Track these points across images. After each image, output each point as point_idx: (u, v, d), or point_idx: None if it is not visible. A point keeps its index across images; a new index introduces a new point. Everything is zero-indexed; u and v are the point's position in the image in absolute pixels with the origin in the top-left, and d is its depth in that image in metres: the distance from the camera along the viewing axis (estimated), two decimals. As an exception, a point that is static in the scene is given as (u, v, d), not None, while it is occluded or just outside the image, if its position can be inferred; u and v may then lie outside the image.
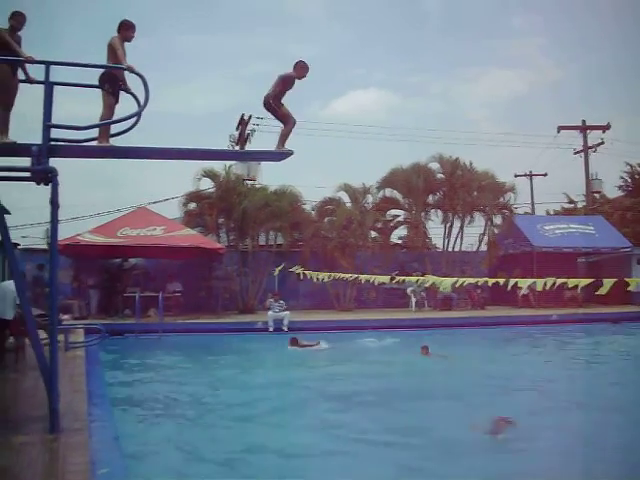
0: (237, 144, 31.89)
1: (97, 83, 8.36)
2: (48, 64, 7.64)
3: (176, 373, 14.67)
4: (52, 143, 7.55)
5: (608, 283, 14.83)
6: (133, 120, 7.86)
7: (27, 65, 8.34)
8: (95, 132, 8.06)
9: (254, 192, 27.74)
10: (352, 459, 7.89)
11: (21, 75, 8.37)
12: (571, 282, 15.11)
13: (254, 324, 22.12)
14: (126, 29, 8.61)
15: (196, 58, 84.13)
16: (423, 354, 16.28)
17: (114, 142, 8.12)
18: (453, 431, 8.92)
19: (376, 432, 9.14)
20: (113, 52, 8.34)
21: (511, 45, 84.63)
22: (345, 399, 11.43)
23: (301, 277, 23.58)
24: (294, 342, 17.72)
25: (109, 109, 8.34)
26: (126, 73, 8.31)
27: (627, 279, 22.14)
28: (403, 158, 49.94)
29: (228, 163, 28.07)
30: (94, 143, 8.17)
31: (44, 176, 7.42)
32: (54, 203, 7.32)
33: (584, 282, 15.39)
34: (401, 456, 7.94)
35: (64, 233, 22.58)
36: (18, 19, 8.53)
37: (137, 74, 8.00)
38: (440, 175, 29.73)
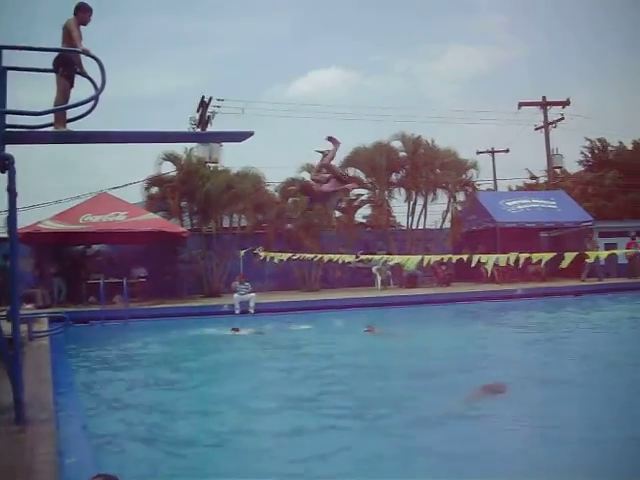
0: (198, 126, 31.87)
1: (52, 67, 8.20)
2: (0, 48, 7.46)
3: (143, 359, 14.55)
4: (7, 130, 7.39)
5: (569, 257, 15.08)
6: (90, 104, 7.70)
7: None
8: (52, 118, 7.90)
9: (216, 174, 27.58)
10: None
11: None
12: (534, 257, 15.30)
13: (220, 307, 22.05)
14: (82, 12, 8.46)
15: (156, 40, 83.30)
16: (369, 333, 16.45)
17: (71, 127, 7.96)
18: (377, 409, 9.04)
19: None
20: (69, 35, 8.17)
21: (473, 22, 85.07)
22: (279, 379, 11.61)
23: (266, 259, 23.55)
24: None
25: (63, 94, 8.18)
26: (82, 57, 8.15)
27: (587, 252, 22.60)
28: (366, 137, 49.75)
29: (189, 146, 27.96)
30: (51, 129, 8.01)
31: (0, 164, 7.26)
32: (11, 191, 7.16)
33: (546, 257, 15.60)
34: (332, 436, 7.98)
35: (24, 221, 22.27)
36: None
37: (93, 57, 7.84)
38: (403, 153, 29.80)
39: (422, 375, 10.73)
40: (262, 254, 23.08)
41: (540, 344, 15.19)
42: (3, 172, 7.24)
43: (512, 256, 14.26)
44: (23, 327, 10.77)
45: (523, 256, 13.67)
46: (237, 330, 17.31)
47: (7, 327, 7.65)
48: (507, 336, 16.65)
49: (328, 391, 10.25)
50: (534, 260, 15.52)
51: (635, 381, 10.12)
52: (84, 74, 8.17)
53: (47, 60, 8.22)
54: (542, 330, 17.66)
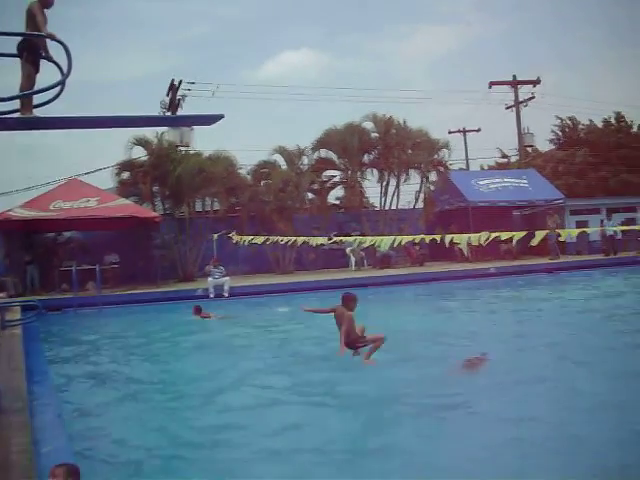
0: (168, 110, 31.57)
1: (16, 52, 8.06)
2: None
3: (117, 346, 14.47)
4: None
5: (539, 235, 15.18)
6: (57, 90, 7.59)
7: None
8: (18, 104, 7.76)
9: (188, 158, 27.43)
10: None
11: None
12: (505, 235, 15.38)
13: (194, 291, 21.99)
14: None
15: (123, 23, 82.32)
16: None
17: (38, 113, 7.84)
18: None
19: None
20: (32, 19, 8.03)
21: (441, 2, 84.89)
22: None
23: (239, 242, 23.47)
24: (197, 311, 17.29)
25: (29, 79, 8.05)
26: (48, 41, 8.01)
27: (559, 230, 22.81)
28: (338, 119, 49.78)
29: (160, 130, 27.76)
30: (17, 115, 7.89)
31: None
32: (-21, 179, 7.07)
33: (517, 235, 15.71)
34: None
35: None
36: None
37: (58, 41, 7.72)
38: (374, 134, 29.79)
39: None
40: (235, 238, 22.97)
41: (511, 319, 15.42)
42: (-31, 160, 7.13)
43: (484, 235, 14.30)
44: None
45: (495, 235, 13.72)
46: (203, 314, 17.12)
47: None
48: (468, 314, 16.79)
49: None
50: (504, 238, 15.58)
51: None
52: (50, 59, 8.02)
53: (11, 45, 8.09)
54: (512, 306, 17.94)
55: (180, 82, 31.07)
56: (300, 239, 20.53)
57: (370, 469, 6.22)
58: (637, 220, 31.26)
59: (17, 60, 8.13)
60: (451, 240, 14.49)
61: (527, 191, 31.45)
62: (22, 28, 8.03)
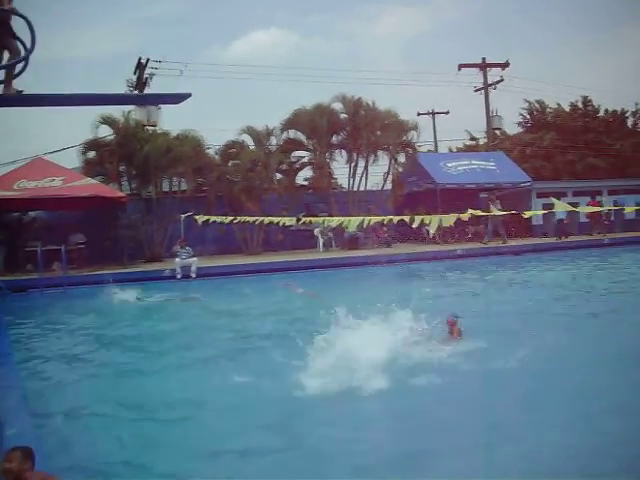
0: (135, 88, 31.17)
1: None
2: None
3: (82, 327, 14.34)
4: None
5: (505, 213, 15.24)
6: (20, 66, 7.46)
7: None
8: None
9: (155, 138, 27.16)
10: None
11: None
12: (466, 215, 15.42)
13: (162, 272, 21.87)
14: None
15: (93, 2, 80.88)
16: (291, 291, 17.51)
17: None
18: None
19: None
20: None
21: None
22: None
23: (207, 222, 23.33)
24: None
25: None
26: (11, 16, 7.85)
27: (524, 211, 23.00)
28: (306, 99, 49.62)
29: (127, 109, 27.40)
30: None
31: None
32: (-60, 157, 6.93)
33: (483, 214, 15.80)
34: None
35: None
36: None
37: (21, 16, 7.59)
38: (343, 115, 29.77)
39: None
40: (200, 219, 22.83)
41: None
42: None
43: (453, 217, 14.32)
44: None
45: (463, 216, 13.74)
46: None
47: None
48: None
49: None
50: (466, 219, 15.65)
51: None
52: (13, 35, 7.87)
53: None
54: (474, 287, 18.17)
55: (147, 60, 30.69)
56: (267, 219, 20.45)
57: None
58: (602, 203, 31.62)
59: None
60: (421, 221, 14.46)
61: (495, 173, 31.66)
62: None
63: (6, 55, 8.03)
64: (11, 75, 7.94)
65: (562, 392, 7.53)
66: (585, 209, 24.84)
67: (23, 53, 7.56)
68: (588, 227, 30.36)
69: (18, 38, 7.75)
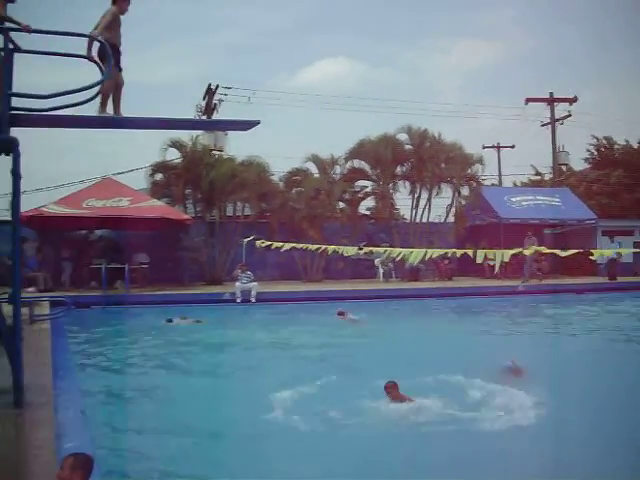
0: (204, 114, 31.75)
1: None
2: (7, 30, 7.46)
3: (142, 345, 14.55)
4: (13, 112, 7.37)
5: (572, 250, 15.04)
6: (96, 89, 7.68)
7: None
8: (57, 101, 7.83)
9: (221, 163, 27.54)
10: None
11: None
12: (527, 251, 15.24)
13: (221, 295, 22.03)
14: (122, 0, 8.66)
15: (162, 26, 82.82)
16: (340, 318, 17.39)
17: (78, 112, 7.92)
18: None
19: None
20: (105, 21, 8.34)
21: (481, 16, 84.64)
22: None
23: (264, 247, 23.48)
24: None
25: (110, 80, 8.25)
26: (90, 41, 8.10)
27: (591, 250, 22.56)
28: (371, 129, 49.70)
29: (195, 133, 27.84)
30: (63, 112, 7.96)
31: (5, 146, 7.25)
32: (16, 174, 7.15)
33: (549, 250, 15.56)
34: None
35: (28, 205, 22.34)
36: None
37: (100, 42, 7.85)
38: (408, 146, 29.77)
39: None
40: (264, 244, 22.99)
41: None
42: (7, 155, 7.24)
43: (516, 252, 14.19)
44: (24, 310, 10.77)
45: (527, 252, 13.61)
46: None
47: (8, 310, 7.65)
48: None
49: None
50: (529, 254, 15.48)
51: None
52: (92, 59, 8.12)
53: (52, 44, 8.18)
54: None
55: (217, 87, 31.29)
56: (331, 248, 20.49)
57: None
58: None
59: (58, 59, 8.26)
60: (485, 256, 14.36)
61: (559, 210, 31.18)
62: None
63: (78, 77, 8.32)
64: (106, 99, 8.30)
65: None
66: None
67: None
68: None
69: (97, 62, 7.98)
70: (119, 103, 8.62)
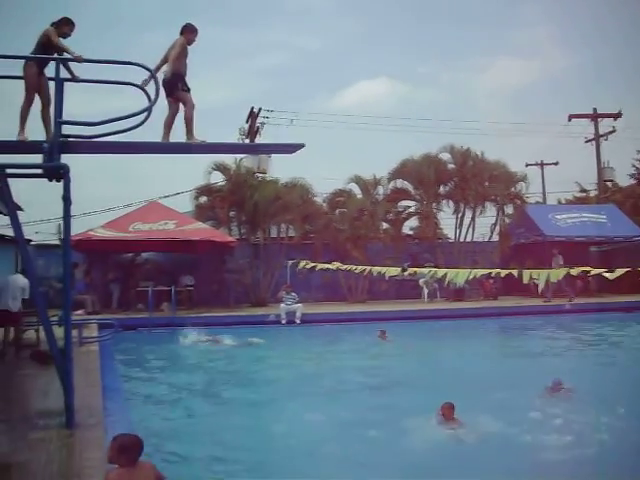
0: (247, 137, 32.03)
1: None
2: (59, 60, 7.69)
3: (188, 367, 14.70)
4: (63, 139, 7.56)
5: (618, 272, 14.78)
6: (143, 116, 7.84)
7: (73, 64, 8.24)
8: (106, 128, 8.00)
9: (265, 185, 27.74)
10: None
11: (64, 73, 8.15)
12: (574, 270, 15.03)
13: (267, 317, 22.12)
14: (189, 32, 9.06)
15: (205, 51, 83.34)
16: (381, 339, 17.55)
17: (125, 138, 8.09)
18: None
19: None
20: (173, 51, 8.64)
21: (521, 34, 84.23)
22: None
23: (313, 269, 23.52)
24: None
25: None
26: (137, 68, 8.27)
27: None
28: (414, 149, 49.72)
29: (239, 156, 28.12)
30: (110, 138, 8.15)
31: (56, 173, 7.43)
32: (66, 199, 7.34)
33: (595, 271, 15.31)
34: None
35: (76, 228, 22.68)
36: (70, 27, 8.50)
37: (147, 69, 8.03)
38: (451, 165, 29.68)
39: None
40: (309, 265, 23.03)
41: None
42: (58, 181, 7.42)
43: (563, 271, 14.01)
44: (74, 333, 10.96)
45: (574, 272, 13.47)
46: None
47: (58, 332, 7.81)
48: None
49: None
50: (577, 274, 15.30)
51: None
52: (138, 86, 8.29)
53: (95, 72, 8.39)
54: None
55: (260, 110, 31.63)
56: (375, 269, 20.42)
57: None
58: None
59: (109, 87, 8.47)
60: (530, 276, 14.18)
61: (605, 227, 30.71)
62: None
63: (123, 104, 8.51)
64: (169, 126, 8.64)
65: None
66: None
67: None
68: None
69: (143, 89, 8.13)
70: (191, 127, 8.93)
